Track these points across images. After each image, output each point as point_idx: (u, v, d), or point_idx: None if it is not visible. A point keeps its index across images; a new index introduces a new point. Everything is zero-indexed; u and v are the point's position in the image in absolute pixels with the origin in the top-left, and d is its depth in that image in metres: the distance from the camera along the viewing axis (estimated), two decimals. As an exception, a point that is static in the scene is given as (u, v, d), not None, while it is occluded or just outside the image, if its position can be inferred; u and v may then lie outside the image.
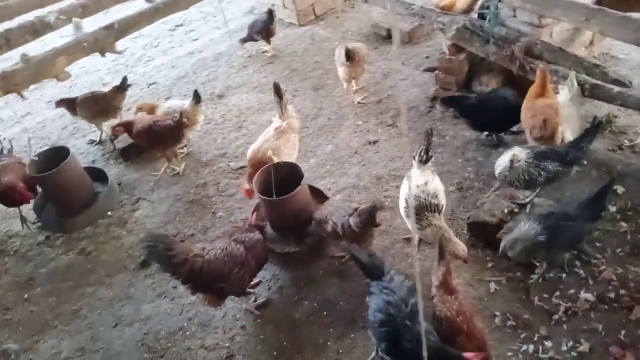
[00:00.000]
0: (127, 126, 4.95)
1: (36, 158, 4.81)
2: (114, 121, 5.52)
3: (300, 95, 5.90)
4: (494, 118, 4.50)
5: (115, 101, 5.63)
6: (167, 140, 4.88)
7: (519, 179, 3.61)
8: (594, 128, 3.70)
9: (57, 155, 4.73)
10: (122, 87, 5.58)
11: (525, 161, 3.57)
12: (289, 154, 4.32)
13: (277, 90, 4.40)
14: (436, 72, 5.38)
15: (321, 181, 4.70)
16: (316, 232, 3.87)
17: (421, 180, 3.51)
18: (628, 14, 4.18)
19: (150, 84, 6.66)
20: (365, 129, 5.25)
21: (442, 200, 3.53)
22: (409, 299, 2.83)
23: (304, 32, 7.07)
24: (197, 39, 7.49)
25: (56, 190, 4.70)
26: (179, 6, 6.21)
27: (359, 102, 5.61)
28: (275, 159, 4.17)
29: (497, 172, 3.74)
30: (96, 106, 5.55)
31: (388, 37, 6.56)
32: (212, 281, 3.31)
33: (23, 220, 4.83)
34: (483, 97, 4.70)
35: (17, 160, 4.87)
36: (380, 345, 2.90)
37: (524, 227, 3.28)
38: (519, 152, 3.61)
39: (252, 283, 3.74)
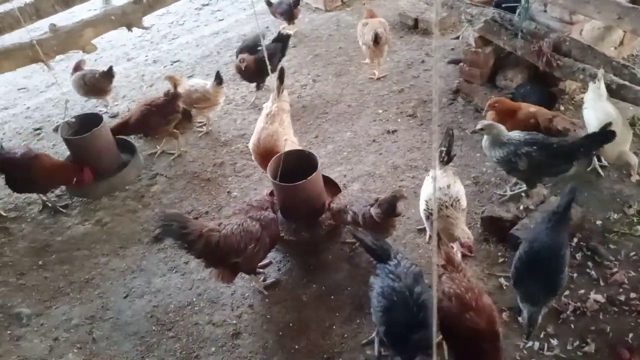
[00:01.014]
0: (123, 127, 4.98)
1: (73, 119, 4.93)
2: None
3: (321, 80, 5.88)
4: None
5: (103, 84, 5.71)
6: (165, 117, 4.90)
7: (500, 160, 3.64)
8: (602, 133, 3.51)
9: (88, 121, 4.83)
10: (109, 74, 5.66)
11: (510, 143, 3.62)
12: (288, 134, 4.31)
13: (281, 75, 4.40)
14: (461, 64, 5.31)
15: (337, 167, 4.70)
16: (333, 221, 3.87)
17: (443, 183, 3.47)
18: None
19: (174, 62, 6.69)
20: (385, 118, 5.23)
21: (464, 203, 3.49)
22: (414, 286, 2.83)
23: (330, 17, 7.03)
24: (222, 19, 7.50)
25: (87, 155, 4.73)
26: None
27: (378, 78, 5.71)
28: (290, 144, 4.17)
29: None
30: (86, 85, 5.67)
31: (414, 26, 6.49)
32: (227, 255, 3.36)
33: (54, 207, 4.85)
34: (518, 94, 4.61)
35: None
36: (380, 328, 2.92)
37: None
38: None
39: (262, 263, 3.78)
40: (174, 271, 4.01)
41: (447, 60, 5.78)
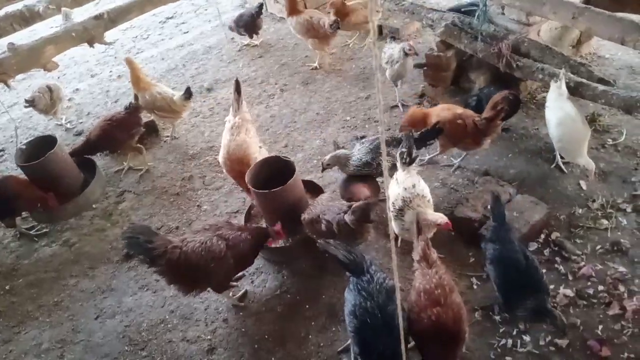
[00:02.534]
0: (85, 146, 4.95)
1: (24, 147, 4.77)
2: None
3: (289, 89, 5.89)
4: None
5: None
6: (128, 131, 4.87)
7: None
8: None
9: (44, 144, 4.69)
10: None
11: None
12: (256, 142, 4.30)
13: (237, 87, 4.31)
14: (425, 68, 5.38)
15: (308, 176, 4.69)
16: (307, 231, 3.85)
17: (408, 183, 3.51)
18: (615, 13, 4.21)
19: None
20: (353, 125, 5.25)
21: (430, 200, 3.54)
22: (387, 305, 2.81)
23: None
24: (187, 32, 7.46)
25: (44, 179, 4.61)
26: (169, -2, 6.20)
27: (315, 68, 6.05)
28: (264, 152, 4.16)
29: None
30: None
31: (379, 32, 6.55)
32: (186, 272, 3.30)
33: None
34: (481, 95, 4.67)
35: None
36: (354, 348, 2.90)
37: None
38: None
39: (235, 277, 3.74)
40: (145, 289, 3.94)
41: (414, 64, 5.83)
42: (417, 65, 5.71)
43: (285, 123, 5.38)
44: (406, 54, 4.92)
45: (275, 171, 3.94)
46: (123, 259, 4.25)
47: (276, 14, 7.35)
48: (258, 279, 3.87)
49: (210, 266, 3.32)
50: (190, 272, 3.30)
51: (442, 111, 4.18)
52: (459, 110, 4.15)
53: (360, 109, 5.44)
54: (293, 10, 5.93)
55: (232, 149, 4.10)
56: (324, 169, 4.18)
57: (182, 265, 3.28)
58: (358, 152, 4.07)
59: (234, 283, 3.77)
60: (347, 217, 3.42)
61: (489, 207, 3.76)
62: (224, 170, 4.21)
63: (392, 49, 5.06)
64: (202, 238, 3.39)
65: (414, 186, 3.47)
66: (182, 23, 7.73)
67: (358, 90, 5.71)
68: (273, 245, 3.82)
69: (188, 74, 6.44)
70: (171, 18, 7.89)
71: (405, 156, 3.60)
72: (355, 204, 3.48)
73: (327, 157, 4.13)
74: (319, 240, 3.26)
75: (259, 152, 4.19)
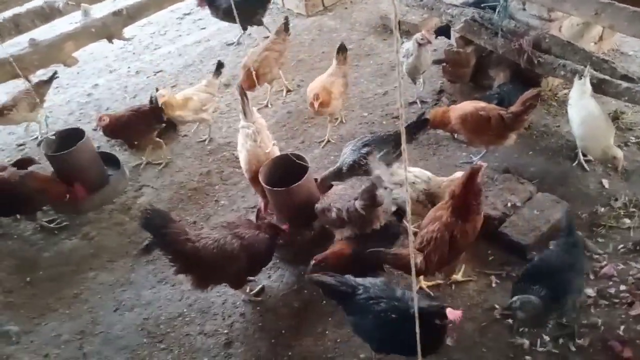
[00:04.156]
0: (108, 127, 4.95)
1: (53, 137, 4.83)
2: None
3: (306, 85, 5.82)
4: None
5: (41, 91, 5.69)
6: (150, 125, 4.92)
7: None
8: (419, 121, 4.08)
9: (71, 136, 4.74)
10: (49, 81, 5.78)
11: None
12: (275, 148, 4.26)
13: (242, 92, 4.18)
14: (444, 64, 5.34)
15: (324, 172, 4.67)
16: (320, 222, 3.86)
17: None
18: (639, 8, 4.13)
19: (157, 72, 6.65)
20: (370, 121, 5.23)
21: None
22: (396, 293, 2.87)
23: (312, 22, 7.03)
24: (204, 28, 7.45)
25: (70, 171, 4.62)
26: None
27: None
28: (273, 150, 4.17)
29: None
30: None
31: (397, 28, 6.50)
32: (196, 267, 3.33)
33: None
34: (502, 93, 4.59)
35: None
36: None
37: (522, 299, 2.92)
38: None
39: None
40: (163, 282, 3.98)
41: (432, 60, 5.79)
42: (436, 62, 5.67)
43: (302, 119, 5.37)
44: (419, 44, 4.88)
45: (289, 169, 3.93)
46: (142, 252, 4.29)
47: (293, 9, 7.34)
48: (275, 274, 3.88)
49: (223, 264, 3.33)
50: (201, 267, 3.32)
51: (465, 105, 4.17)
52: (482, 104, 4.12)
53: (377, 105, 5.42)
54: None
55: (259, 154, 4.01)
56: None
57: (193, 259, 3.30)
58: (345, 157, 4.07)
59: (252, 278, 3.78)
60: (357, 203, 3.43)
61: (510, 205, 3.74)
62: (247, 177, 4.13)
63: (408, 43, 5.04)
64: (217, 235, 3.40)
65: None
66: (199, 19, 7.72)
67: (376, 87, 5.69)
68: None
69: (205, 70, 6.45)
70: (188, 14, 7.88)
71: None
72: (361, 189, 3.49)
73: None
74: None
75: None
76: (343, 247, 3.47)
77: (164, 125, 5.09)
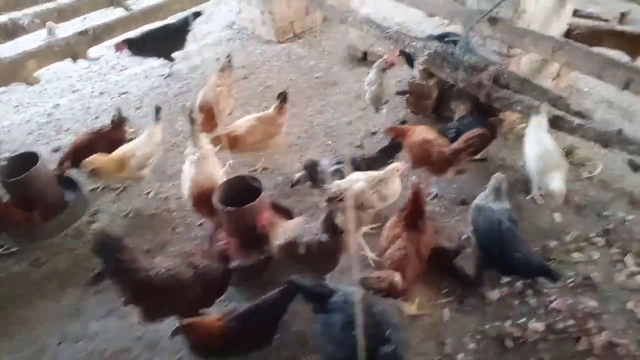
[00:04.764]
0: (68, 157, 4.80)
1: (4, 162, 4.67)
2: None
3: (271, 112, 5.88)
4: None
5: None
6: (113, 147, 4.70)
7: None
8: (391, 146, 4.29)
9: (24, 160, 4.57)
10: None
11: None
12: (220, 172, 4.24)
13: (191, 118, 4.17)
14: (407, 95, 5.42)
15: (287, 200, 4.65)
16: (282, 257, 3.79)
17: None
18: (593, 48, 4.28)
19: (122, 94, 6.58)
20: (334, 149, 5.25)
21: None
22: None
23: (282, 49, 7.09)
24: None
25: (26, 197, 4.46)
26: (157, 16, 6.21)
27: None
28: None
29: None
30: None
31: (364, 58, 6.61)
32: (147, 298, 3.23)
33: None
34: (460, 127, 4.65)
35: None
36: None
37: None
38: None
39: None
40: (112, 314, 3.84)
41: (395, 91, 5.88)
42: (400, 93, 5.76)
43: (266, 146, 5.35)
44: (382, 70, 4.94)
45: (243, 192, 3.90)
46: (92, 281, 4.14)
47: (263, 35, 7.39)
48: (228, 307, 3.78)
49: (175, 294, 3.24)
50: (153, 297, 3.23)
51: (420, 132, 4.27)
52: (431, 136, 4.19)
53: (342, 133, 5.44)
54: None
55: (200, 181, 3.99)
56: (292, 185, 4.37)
57: (144, 289, 3.20)
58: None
59: (203, 310, 3.68)
60: (323, 236, 3.40)
61: (465, 237, 3.78)
62: (191, 204, 4.07)
63: (372, 72, 5.10)
64: (170, 264, 3.32)
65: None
66: (168, 41, 7.72)
67: (340, 115, 5.72)
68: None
69: (171, 93, 6.42)
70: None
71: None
72: (321, 220, 3.48)
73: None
74: (287, 281, 3.23)
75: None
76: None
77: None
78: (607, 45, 4.83)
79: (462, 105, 5.03)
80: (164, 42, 6.59)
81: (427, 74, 5.13)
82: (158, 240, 4.40)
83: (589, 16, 5.62)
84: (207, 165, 4.07)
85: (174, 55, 6.80)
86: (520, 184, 4.34)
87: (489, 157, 4.70)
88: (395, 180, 3.92)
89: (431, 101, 5.22)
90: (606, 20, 5.57)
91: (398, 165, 3.91)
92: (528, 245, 3.42)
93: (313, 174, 4.04)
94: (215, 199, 3.84)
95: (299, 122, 5.66)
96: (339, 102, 5.94)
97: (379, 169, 4.02)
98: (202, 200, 3.94)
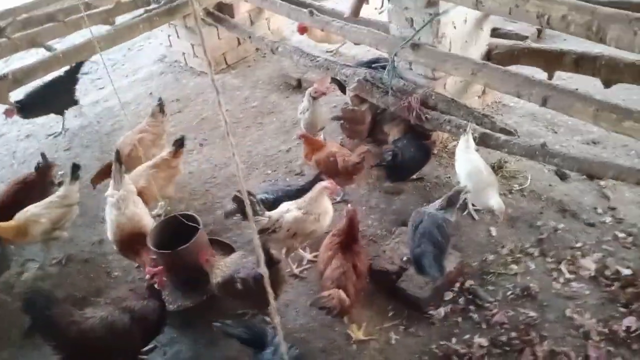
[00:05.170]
0: None
1: None
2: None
3: (209, 144, 5.81)
4: (411, 165, 4.72)
5: None
6: (42, 194, 4.51)
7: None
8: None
9: None
10: None
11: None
12: (147, 213, 4.15)
13: (117, 157, 4.05)
14: (341, 121, 5.49)
15: (227, 233, 4.57)
16: (220, 294, 3.69)
17: None
18: (510, 68, 4.51)
19: (50, 135, 6.31)
20: (274, 178, 5.22)
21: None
22: None
23: (216, 80, 7.00)
24: (103, 88, 7.25)
25: None
26: (81, 55, 6.02)
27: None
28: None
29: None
30: None
31: (298, 86, 6.66)
32: (84, 352, 3.06)
33: None
34: (396, 150, 4.72)
35: None
36: None
37: None
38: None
39: (145, 349, 3.50)
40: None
41: (331, 117, 5.95)
42: (335, 118, 5.83)
43: (204, 179, 5.26)
44: (314, 98, 5.00)
45: (180, 231, 3.80)
46: (26, 335, 3.88)
47: (196, 67, 7.32)
48: (172, 350, 3.64)
49: (113, 344, 3.08)
50: (89, 351, 3.05)
51: (325, 149, 4.61)
52: (335, 149, 4.57)
53: (281, 162, 5.43)
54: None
55: (123, 223, 3.86)
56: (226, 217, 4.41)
57: (79, 344, 3.03)
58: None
59: (143, 357, 3.52)
60: (259, 270, 3.33)
61: (406, 258, 3.81)
62: (116, 248, 3.94)
63: (305, 99, 5.15)
64: (104, 313, 3.16)
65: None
66: (97, 79, 7.52)
67: (279, 143, 5.72)
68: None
69: (103, 131, 6.22)
70: (86, 74, 7.62)
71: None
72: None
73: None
74: (214, 323, 3.16)
75: (152, 224, 4.03)
76: None
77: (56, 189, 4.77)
78: (524, 63, 5.10)
79: (395, 128, 5.16)
80: (53, 98, 6.21)
81: (359, 99, 5.22)
82: (94, 286, 4.19)
83: (507, 34, 5.95)
84: (129, 206, 3.93)
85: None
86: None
87: (425, 176, 4.80)
88: (325, 199, 3.95)
89: (365, 126, 5.30)
90: (525, 37, 5.92)
91: (325, 183, 3.95)
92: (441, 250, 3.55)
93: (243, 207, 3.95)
94: (151, 240, 3.72)
95: (238, 153, 5.57)
96: (277, 130, 5.94)
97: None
98: (127, 243, 3.82)
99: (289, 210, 3.88)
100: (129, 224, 3.88)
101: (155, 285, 3.35)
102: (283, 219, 3.81)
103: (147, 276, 3.40)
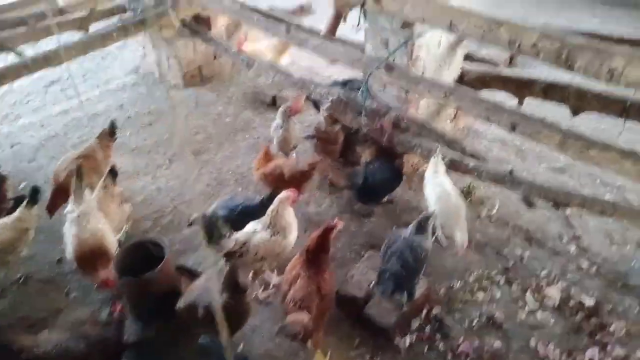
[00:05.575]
0: None
1: None
2: None
3: (179, 159, 5.70)
4: (381, 187, 4.70)
5: None
6: None
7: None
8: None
9: None
10: None
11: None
12: (110, 230, 4.00)
13: (78, 172, 3.86)
14: (314, 141, 5.47)
15: (193, 254, 4.46)
16: (183, 321, 3.59)
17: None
18: (482, 92, 4.56)
19: (14, 145, 6.11)
20: (231, 193, 5.14)
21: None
22: None
23: (189, 94, 6.94)
24: (72, 97, 7.07)
25: None
26: (50, 62, 5.86)
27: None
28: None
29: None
30: None
31: (273, 103, 6.62)
32: None
33: None
34: (367, 173, 4.73)
35: None
36: None
37: None
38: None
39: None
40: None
41: (304, 136, 5.92)
42: (308, 137, 5.80)
43: (172, 196, 5.15)
44: (287, 116, 4.97)
45: (147, 257, 3.69)
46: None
47: (170, 80, 7.22)
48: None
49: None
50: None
51: (275, 161, 4.72)
52: (280, 162, 4.67)
53: (252, 180, 5.35)
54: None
55: (84, 239, 3.70)
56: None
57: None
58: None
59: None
60: (224, 296, 3.25)
61: (372, 284, 3.78)
62: (76, 267, 3.80)
63: (277, 117, 5.12)
64: (58, 339, 3.03)
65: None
66: (68, 88, 7.33)
67: (251, 161, 5.62)
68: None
69: (69, 143, 6.05)
70: (56, 82, 7.46)
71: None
72: (223, 278, 3.34)
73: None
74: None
75: (115, 243, 3.91)
76: None
77: (11, 204, 4.59)
78: (496, 88, 5.16)
79: (368, 149, 5.16)
80: None
81: (332, 119, 5.21)
82: (54, 307, 4.02)
83: (481, 59, 6.03)
84: (89, 222, 3.79)
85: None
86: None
87: (395, 199, 4.80)
88: (288, 210, 3.83)
89: (338, 146, 5.29)
90: (497, 64, 6.00)
91: (285, 193, 3.82)
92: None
93: (209, 229, 3.84)
94: (116, 266, 3.59)
95: (209, 169, 5.52)
96: (249, 147, 5.88)
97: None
98: (86, 260, 3.67)
99: (255, 232, 3.81)
100: (91, 239, 3.73)
101: (115, 314, 3.24)
102: (250, 242, 3.73)
103: (111, 306, 3.30)
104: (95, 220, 3.81)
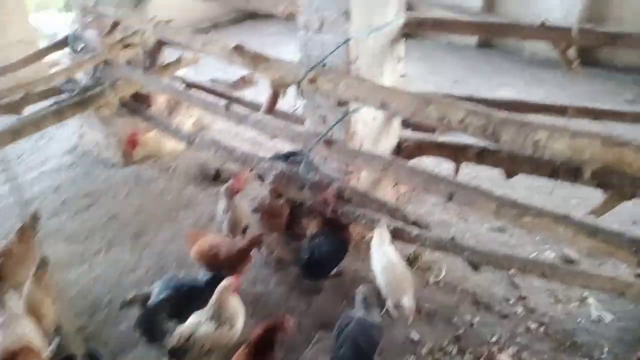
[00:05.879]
0: None
1: None
2: None
3: (117, 245, 5.44)
4: (328, 260, 4.59)
5: None
6: None
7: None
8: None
9: None
10: None
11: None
12: (37, 334, 3.66)
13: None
14: (259, 214, 5.40)
15: (133, 349, 4.17)
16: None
17: None
18: (417, 165, 4.67)
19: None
20: (169, 272, 4.93)
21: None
22: None
23: (129, 173, 6.77)
24: (5, 182, 6.76)
25: None
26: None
27: None
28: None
29: None
30: None
31: (216, 177, 6.55)
32: None
33: None
34: (313, 248, 4.63)
35: None
36: None
37: None
38: None
39: None
40: None
41: (251, 209, 5.84)
42: (254, 210, 5.73)
43: (110, 286, 4.88)
44: (230, 196, 4.89)
45: None
46: None
47: (109, 159, 7.05)
48: None
49: None
50: None
51: (206, 241, 4.50)
52: (217, 242, 4.46)
53: (196, 263, 5.18)
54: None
55: (8, 350, 3.35)
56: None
57: None
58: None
59: None
60: None
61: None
62: None
63: (220, 200, 5.02)
64: None
65: None
66: (1, 171, 7.01)
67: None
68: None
69: (1, 232, 5.70)
70: (-12, 166, 7.15)
71: None
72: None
73: None
74: None
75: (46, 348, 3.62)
76: None
77: None
78: (432, 155, 5.32)
79: (313, 222, 5.13)
80: None
81: (277, 193, 5.18)
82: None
83: (417, 124, 6.23)
84: (15, 327, 3.49)
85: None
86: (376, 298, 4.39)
87: (343, 271, 4.74)
88: (231, 298, 3.69)
89: (283, 219, 5.23)
90: (433, 131, 6.22)
91: (225, 282, 3.69)
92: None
93: (147, 324, 3.63)
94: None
95: (149, 254, 5.30)
96: (192, 226, 5.70)
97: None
98: None
99: (200, 324, 3.63)
100: (13, 346, 3.43)
101: None
102: (195, 336, 3.53)
103: None
104: (22, 327, 3.51)
